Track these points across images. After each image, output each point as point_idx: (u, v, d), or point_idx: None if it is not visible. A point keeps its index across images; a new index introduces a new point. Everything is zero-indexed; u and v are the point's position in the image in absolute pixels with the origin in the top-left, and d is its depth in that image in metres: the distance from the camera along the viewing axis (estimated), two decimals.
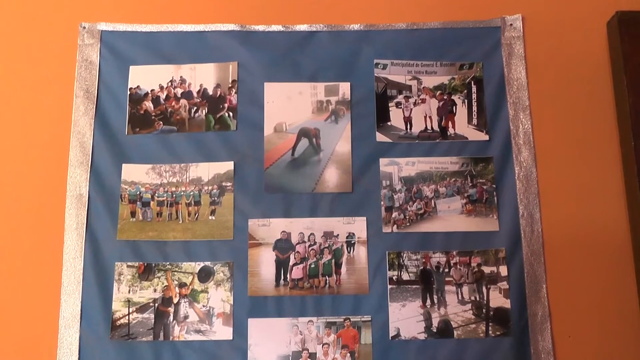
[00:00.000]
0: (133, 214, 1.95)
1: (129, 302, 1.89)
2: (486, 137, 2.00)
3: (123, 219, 1.94)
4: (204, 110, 2.03)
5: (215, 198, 1.96)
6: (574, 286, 1.90)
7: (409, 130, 2.01)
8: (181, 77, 2.05)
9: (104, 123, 2.01)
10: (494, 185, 1.96)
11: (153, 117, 2.02)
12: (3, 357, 1.87)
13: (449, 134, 2.01)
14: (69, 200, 1.94)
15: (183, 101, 2.04)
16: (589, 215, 1.94)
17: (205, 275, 1.91)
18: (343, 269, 1.91)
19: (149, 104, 2.03)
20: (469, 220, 1.94)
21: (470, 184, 1.97)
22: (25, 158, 1.99)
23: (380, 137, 2.00)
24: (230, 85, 2.04)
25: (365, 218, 1.94)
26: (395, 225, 1.93)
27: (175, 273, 1.91)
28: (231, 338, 1.86)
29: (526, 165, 1.96)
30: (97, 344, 1.86)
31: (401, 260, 1.91)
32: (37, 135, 2.01)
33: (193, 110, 2.03)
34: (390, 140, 1.99)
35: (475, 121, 2.01)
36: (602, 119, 2.01)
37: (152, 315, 1.89)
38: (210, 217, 1.95)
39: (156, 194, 1.97)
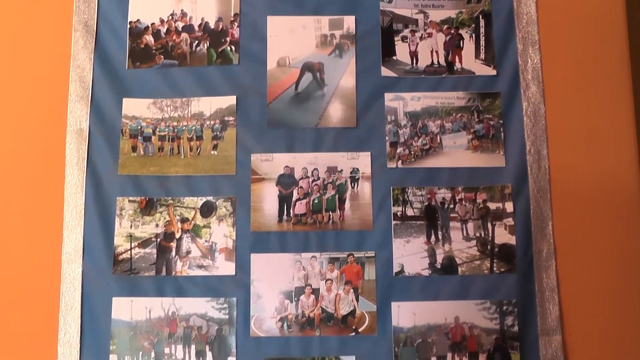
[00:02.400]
0: (134, 148, 1.76)
1: (131, 237, 1.72)
2: (494, 72, 1.79)
3: (124, 153, 1.75)
4: (205, 44, 1.82)
5: (218, 133, 1.77)
6: (580, 223, 1.72)
7: (414, 64, 1.80)
8: (182, 10, 1.83)
9: (103, 57, 1.80)
10: (501, 121, 1.76)
11: (154, 51, 1.81)
12: (6, 292, 1.70)
13: (455, 68, 1.80)
14: (69, 135, 1.75)
15: (184, 35, 1.82)
16: (597, 152, 1.74)
17: (207, 210, 1.73)
18: (347, 205, 1.73)
19: (149, 38, 1.82)
20: (475, 156, 1.75)
21: (476, 120, 1.77)
22: (24, 93, 1.78)
23: (385, 71, 1.79)
24: (232, 19, 1.82)
25: (369, 153, 1.75)
26: (400, 161, 1.74)
27: (177, 208, 1.74)
28: (234, 273, 1.69)
29: (534, 101, 1.76)
30: (99, 278, 1.69)
31: (406, 196, 1.73)
32: (35, 70, 1.79)
33: (194, 44, 1.82)
34: (396, 75, 1.79)
35: (482, 56, 1.80)
36: (613, 54, 1.78)
37: (155, 250, 1.72)
38: (212, 152, 1.76)
39: (157, 129, 1.78)
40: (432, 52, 1.81)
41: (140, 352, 1.67)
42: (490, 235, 1.71)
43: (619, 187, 1.73)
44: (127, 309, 1.68)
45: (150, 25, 1.82)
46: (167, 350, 1.68)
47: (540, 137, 1.74)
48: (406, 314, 1.67)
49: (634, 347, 1.68)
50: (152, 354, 1.67)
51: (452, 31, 1.82)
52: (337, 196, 1.73)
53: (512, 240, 1.70)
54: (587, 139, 1.75)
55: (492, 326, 1.67)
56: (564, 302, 1.68)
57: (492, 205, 1.72)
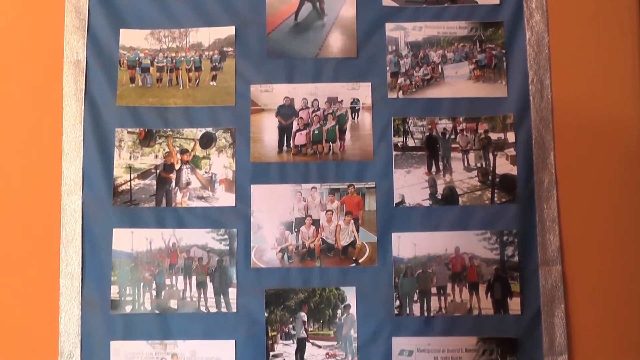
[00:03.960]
0: (132, 79, 1.67)
1: (130, 169, 1.64)
2: (497, 1, 1.67)
3: (122, 84, 1.66)
4: None
5: (217, 63, 1.67)
6: (582, 153, 1.63)
7: None
8: None
9: None
10: (504, 51, 1.66)
11: None
12: (7, 225, 1.63)
13: None
14: (66, 66, 1.65)
15: None
16: (601, 81, 1.65)
17: (207, 141, 1.65)
18: (347, 135, 1.65)
19: None
20: (477, 86, 1.66)
21: (479, 49, 1.67)
22: (19, 23, 1.68)
23: (386, 1, 1.67)
24: None
25: (370, 84, 1.65)
26: (401, 91, 1.65)
27: (177, 139, 1.65)
28: (234, 204, 1.62)
29: (538, 30, 1.66)
30: (100, 210, 1.62)
31: (406, 127, 1.64)
32: (30, 0, 1.70)
33: None
34: (397, 5, 1.68)
35: None
36: None
37: (154, 182, 1.64)
38: (211, 83, 1.67)
39: (156, 60, 1.68)
40: None
41: (142, 283, 1.61)
42: (491, 165, 1.63)
43: (621, 117, 1.64)
44: (127, 240, 1.61)
45: None
46: (168, 281, 1.61)
47: (544, 66, 1.64)
48: (406, 245, 1.60)
49: (634, 276, 1.61)
50: (153, 285, 1.61)
51: None
52: (337, 127, 1.65)
53: (513, 170, 1.62)
54: (591, 68, 1.65)
55: (492, 256, 1.60)
56: (564, 233, 1.61)
57: (494, 136, 1.63)
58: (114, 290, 1.60)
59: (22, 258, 1.62)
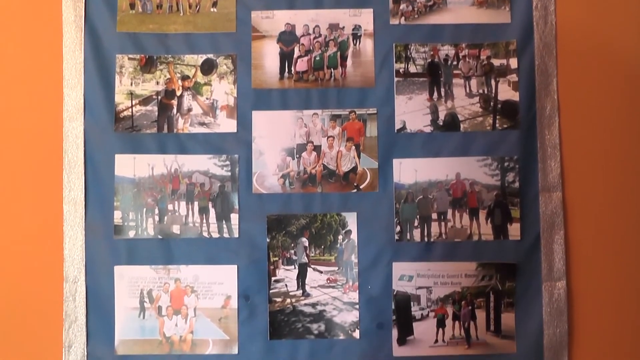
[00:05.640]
0: (132, 5, 1.61)
1: (131, 95, 1.60)
2: None
3: (122, 10, 1.61)
4: None
5: None
6: (585, 80, 1.58)
7: None
8: None
9: None
10: None
11: None
12: (9, 151, 1.60)
13: None
14: None
15: None
16: (605, 8, 1.59)
17: (208, 67, 1.60)
18: (349, 62, 1.60)
19: None
20: (480, 12, 1.60)
21: None
22: None
23: None
24: None
25: (372, 10, 1.60)
26: (403, 17, 1.60)
27: (178, 65, 1.61)
28: (235, 130, 1.58)
29: None
30: (101, 136, 1.58)
31: (408, 53, 1.59)
32: None
33: None
34: None
35: None
36: None
37: (156, 108, 1.60)
38: (212, 9, 1.61)
39: None
40: None
41: (144, 209, 1.58)
42: (493, 91, 1.58)
43: (625, 44, 1.59)
44: (129, 166, 1.58)
45: None
46: (170, 207, 1.58)
47: None
48: (407, 171, 1.57)
49: (634, 203, 1.58)
50: (156, 211, 1.58)
51: None
52: (338, 53, 1.60)
53: (515, 96, 1.58)
54: None
55: (493, 182, 1.56)
56: (565, 159, 1.57)
57: (496, 62, 1.59)
58: (117, 216, 1.57)
59: (25, 185, 1.59)
